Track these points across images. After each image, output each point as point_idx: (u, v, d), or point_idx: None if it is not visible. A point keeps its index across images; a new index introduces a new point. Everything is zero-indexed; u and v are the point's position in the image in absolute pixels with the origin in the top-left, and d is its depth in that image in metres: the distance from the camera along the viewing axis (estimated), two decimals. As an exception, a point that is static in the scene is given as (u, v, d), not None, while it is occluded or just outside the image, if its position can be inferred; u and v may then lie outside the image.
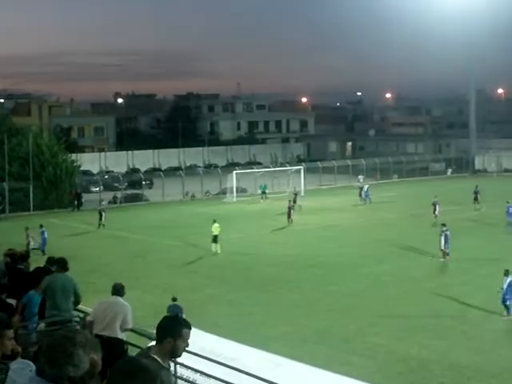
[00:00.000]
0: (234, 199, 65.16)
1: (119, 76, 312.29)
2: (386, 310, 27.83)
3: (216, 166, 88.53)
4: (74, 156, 70.85)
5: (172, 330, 5.25)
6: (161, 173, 76.07)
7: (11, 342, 7.43)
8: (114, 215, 53.43)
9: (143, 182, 73.05)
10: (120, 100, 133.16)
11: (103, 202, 58.64)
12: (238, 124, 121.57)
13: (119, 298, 11.41)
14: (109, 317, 11.03)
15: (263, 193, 66.13)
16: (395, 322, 26.38)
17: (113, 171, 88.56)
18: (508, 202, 46.79)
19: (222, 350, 11.68)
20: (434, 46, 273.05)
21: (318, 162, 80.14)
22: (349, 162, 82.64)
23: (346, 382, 12.67)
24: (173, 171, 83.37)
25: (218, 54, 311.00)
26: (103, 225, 49.91)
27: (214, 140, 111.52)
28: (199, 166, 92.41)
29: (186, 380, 10.23)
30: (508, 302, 26.34)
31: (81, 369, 3.68)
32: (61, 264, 12.93)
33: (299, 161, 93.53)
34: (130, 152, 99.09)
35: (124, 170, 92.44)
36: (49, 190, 61.01)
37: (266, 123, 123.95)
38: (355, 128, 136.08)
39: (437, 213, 48.97)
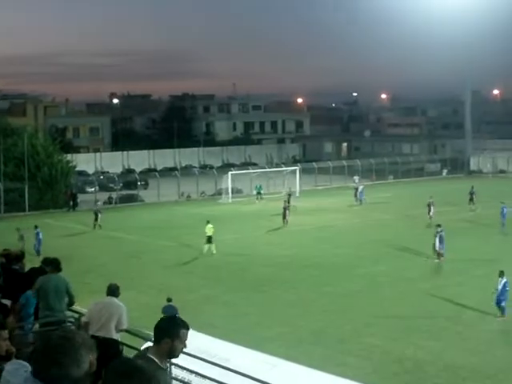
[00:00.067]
0: (230, 200, 65.14)
1: (114, 76, 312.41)
2: (381, 311, 27.85)
3: (211, 167, 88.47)
4: (69, 156, 70.76)
5: (170, 331, 5.24)
6: (156, 173, 75.98)
7: (6, 342, 7.42)
8: (109, 216, 53.36)
9: (138, 183, 72.93)
10: (115, 100, 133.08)
11: (98, 203, 58.58)
12: (234, 124, 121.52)
13: (114, 299, 11.40)
14: (104, 317, 11.02)
15: (258, 193, 66.12)
16: (390, 322, 26.41)
17: (108, 172, 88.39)
18: (502, 203, 46.85)
19: (217, 351, 11.69)
20: (430, 46, 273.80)
21: (314, 163, 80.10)
22: (344, 163, 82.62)
23: (342, 382, 12.69)
24: (168, 172, 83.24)
25: (214, 55, 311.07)
26: (99, 225, 49.85)
27: (210, 140, 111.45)
28: (195, 167, 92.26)
29: (180, 381, 10.22)
30: (503, 303, 26.38)
31: (83, 369, 3.67)
32: (54, 264, 12.89)
33: (295, 161, 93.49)
34: (125, 152, 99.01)
35: (119, 170, 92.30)
36: (44, 191, 60.93)
37: (262, 124, 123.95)
38: (351, 129, 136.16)
39: (431, 213, 49.03)
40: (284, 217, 50.00)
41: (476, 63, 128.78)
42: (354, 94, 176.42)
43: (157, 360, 5.13)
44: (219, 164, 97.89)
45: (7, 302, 12.51)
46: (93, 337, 9.65)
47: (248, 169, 77.17)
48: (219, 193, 68.42)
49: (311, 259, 38.06)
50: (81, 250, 41.88)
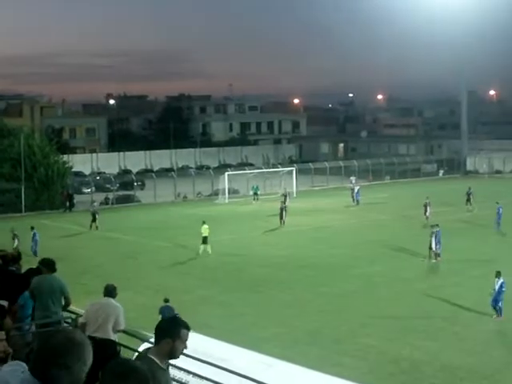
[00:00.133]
0: (226, 200, 65.17)
1: (111, 77, 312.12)
2: (377, 311, 27.86)
3: (208, 167, 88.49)
4: (65, 157, 70.75)
5: (170, 331, 5.24)
6: (152, 174, 75.96)
7: (3, 343, 7.43)
8: (105, 216, 53.33)
9: (135, 183, 72.92)
10: (112, 101, 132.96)
11: (95, 203, 58.55)
12: (230, 125, 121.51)
13: (111, 300, 11.39)
14: (101, 318, 11.02)
15: (255, 194, 66.16)
16: (387, 322, 26.43)
17: (104, 172, 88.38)
18: (498, 203, 46.91)
19: (214, 351, 11.69)
20: (426, 47, 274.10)
21: (310, 164, 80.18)
22: (341, 164, 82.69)
23: (338, 382, 12.71)
24: (165, 172, 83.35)
25: (210, 56, 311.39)
26: (97, 226, 49.82)
27: (206, 141, 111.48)
28: (191, 167, 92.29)
29: (177, 381, 10.23)
30: (499, 304, 26.41)
31: (87, 366, 3.70)
32: (48, 265, 12.89)
33: (291, 162, 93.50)
34: (121, 153, 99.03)
35: (116, 171, 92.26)
36: (40, 191, 60.89)
37: (258, 124, 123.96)
38: (347, 129, 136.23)
39: (428, 214, 49.08)
40: (281, 217, 50.02)
41: (472, 64, 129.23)
42: (351, 95, 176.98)
43: (157, 360, 5.14)
44: (216, 164, 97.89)
45: (4, 303, 12.51)
46: (90, 338, 9.65)
47: (244, 169, 77.21)
48: (216, 193, 68.45)
49: (307, 259, 38.09)
50: (77, 251, 41.86)
